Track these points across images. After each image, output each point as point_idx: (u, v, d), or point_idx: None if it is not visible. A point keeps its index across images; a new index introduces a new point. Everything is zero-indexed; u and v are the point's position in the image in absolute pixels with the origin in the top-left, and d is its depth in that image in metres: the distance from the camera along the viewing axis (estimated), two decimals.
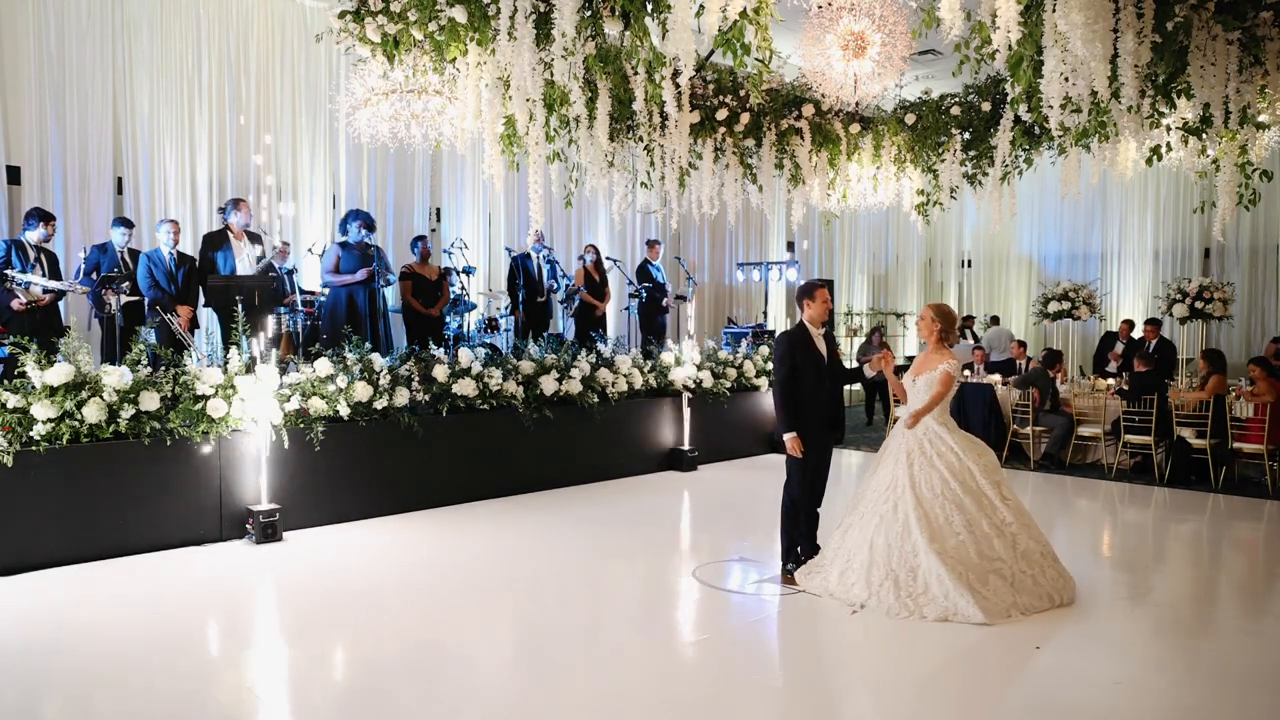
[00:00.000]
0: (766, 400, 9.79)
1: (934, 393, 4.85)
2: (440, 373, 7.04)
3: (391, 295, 8.91)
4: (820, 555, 5.06)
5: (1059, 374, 9.46)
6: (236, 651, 4.18)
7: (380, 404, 6.54)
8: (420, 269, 9.03)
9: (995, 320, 15.21)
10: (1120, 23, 4.98)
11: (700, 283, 13.44)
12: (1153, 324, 11.21)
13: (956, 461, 4.77)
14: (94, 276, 7.25)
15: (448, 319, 9.09)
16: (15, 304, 6.81)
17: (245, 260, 7.78)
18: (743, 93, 7.59)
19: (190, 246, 8.51)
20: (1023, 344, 11.32)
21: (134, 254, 7.70)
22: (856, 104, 7.47)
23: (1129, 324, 12.09)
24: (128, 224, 7.71)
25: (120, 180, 9.00)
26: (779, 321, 13.90)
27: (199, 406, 5.76)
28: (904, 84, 7.26)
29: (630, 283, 10.92)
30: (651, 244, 11.11)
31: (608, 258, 11.25)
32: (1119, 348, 11.61)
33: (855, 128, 8.16)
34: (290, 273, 8.52)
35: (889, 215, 15.91)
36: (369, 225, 8.26)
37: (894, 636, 4.28)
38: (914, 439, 4.86)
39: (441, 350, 7.34)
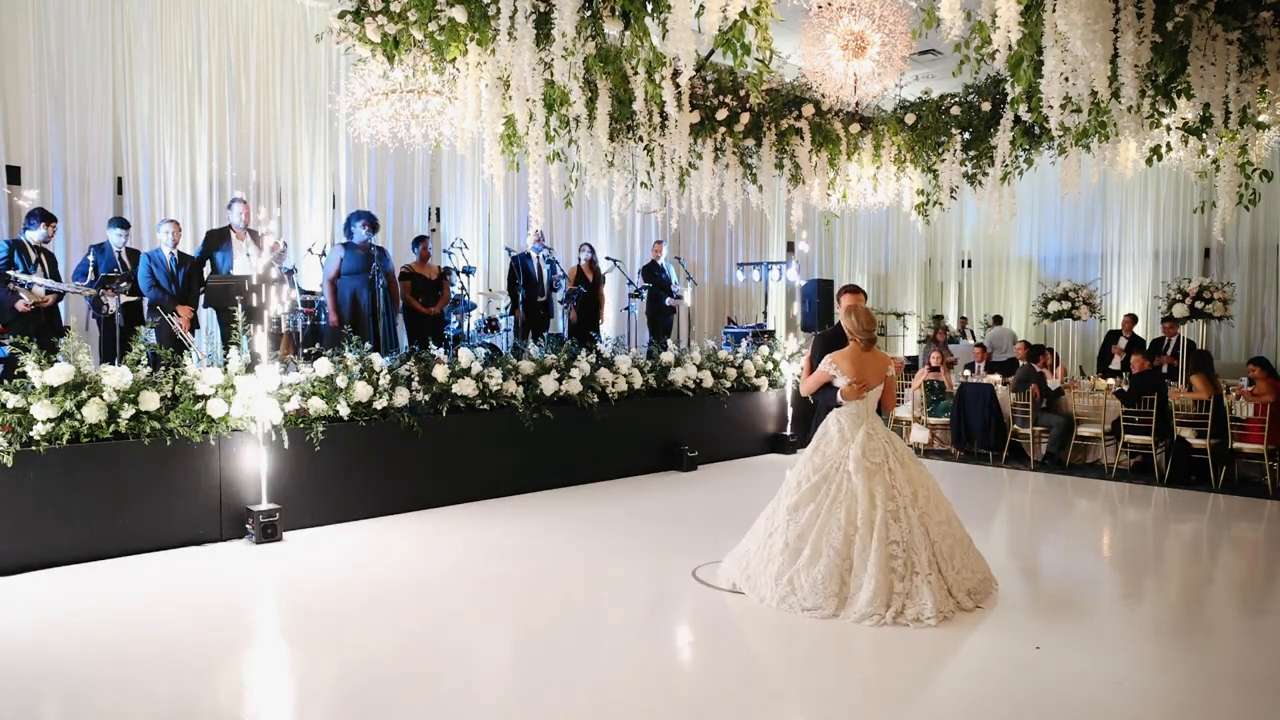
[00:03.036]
0: (767, 400, 9.79)
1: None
2: (440, 373, 7.04)
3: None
4: None
5: (1045, 366, 9.46)
6: (236, 651, 4.18)
7: (380, 404, 6.53)
8: (420, 269, 9.03)
9: (998, 320, 15.22)
10: (1120, 23, 4.98)
11: (700, 283, 13.45)
12: (1170, 322, 11.22)
13: None
14: (91, 277, 7.25)
15: (448, 318, 9.10)
16: (20, 305, 6.81)
17: (244, 259, 7.79)
18: (743, 93, 7.59)
19: (190, 247, 8.52)
20: (1027, 344, 11.32)
21: (132, 254, 7.70)
22: (856, 104, 7.47)
23: (1132, 318, 12.07)
24: (124, 224, 7.71)
25: (120, 180, 9.01)
26: (779, 321, 13.90)
27: (199, 406, 5.76)
28: (904, 84, 7.27)
29: (630, 283, 10.93)
30: (658, 244, 11.14)
31: (608, 258, 11.27)
32: (1122, 343, 11.61)
33: (855, 128, 8.17)
34: (290, 272, 8.52)
35: (889, 215, 15.92)
36: (372, 225, 8.27)
37: (893, 636, 4.28)
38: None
39: (441, 350, 7.34)
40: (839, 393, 4.92)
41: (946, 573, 4.58)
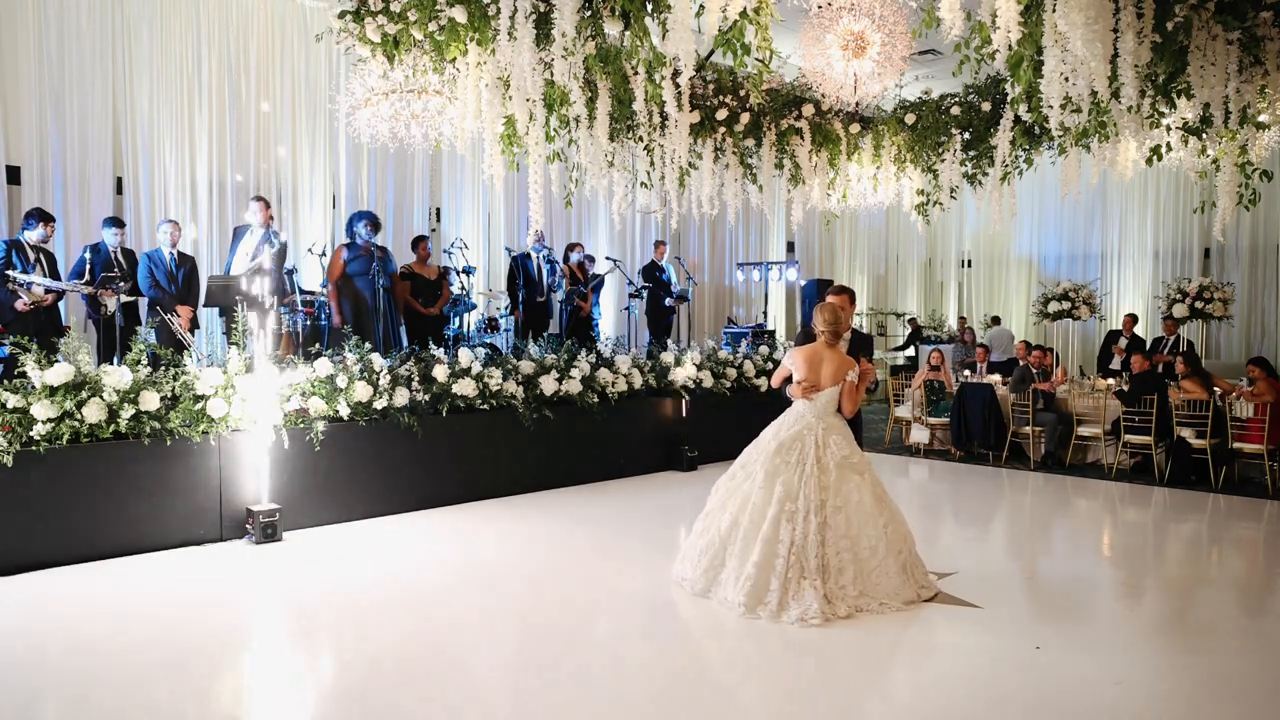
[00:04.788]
0: (767, 400, 9.77)
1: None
2: (440, 373, 7.04)
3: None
4: None
5: (1039, 365, 9.45)
6: (236, 652, 4.18)
7: (380, 404, 6.53)
8: (420, 269, 9.04)
9: (996, 320, 15.22)
10: (1120, 23, 4.99)
11: (700, 283, 13.45)
12: (1170, 320, 11.21)
13: None
14: (85, 277, 7.24)
15: (449, 317, 9.10)
16: (20, 305, 6.80)
17: (243, 256, 7.82)
18: (743, 93, 7.59)
19: (190, 246, 8.53)
20: (1026, 344, 11.33)
21: (127, 253, 7.70)
22: (856, 104, 7.47)
23: (1132, 318, 12.07)
24: (118, 224, 7.70)
25: (120, 180, 9.01)
26: (779, 321, 13.90)
27: (199, 406, 5.76)
28: (904, 84, 7.26)
29: (630, 283, 10.93)
30: (659, 244, 11.14)
31: (608, 258, 11.26)
32: (1123, 343, 11.61)
33: (855, 128, 8.17)
34: (290, 272, 8.52)
35: (889, 215, 15.93)
36: (375, 226, 8.28)
37: (893, 637, 4.28)
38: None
39: (441, 350, 7.34)
40: (787, 389, 4.99)
41: (828, 582, 4.57)
